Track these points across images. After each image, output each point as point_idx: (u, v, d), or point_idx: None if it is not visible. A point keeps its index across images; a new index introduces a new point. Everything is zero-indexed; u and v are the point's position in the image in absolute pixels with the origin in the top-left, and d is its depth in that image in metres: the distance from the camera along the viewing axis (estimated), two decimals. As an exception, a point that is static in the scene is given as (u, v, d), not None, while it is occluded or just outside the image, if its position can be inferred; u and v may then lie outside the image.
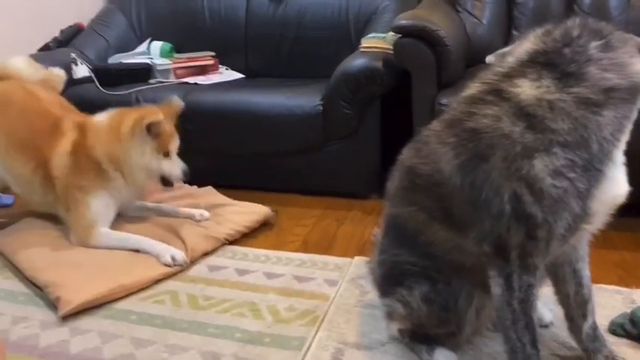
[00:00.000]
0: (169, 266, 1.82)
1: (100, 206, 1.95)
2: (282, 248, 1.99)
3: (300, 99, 2.30)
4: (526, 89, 1.08)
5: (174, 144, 1.95)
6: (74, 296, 1.63)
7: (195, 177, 2.48)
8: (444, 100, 1.98)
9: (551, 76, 1.07)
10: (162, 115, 1.91)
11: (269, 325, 1.54)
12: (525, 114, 1.06)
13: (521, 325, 1.12)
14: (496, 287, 1.14)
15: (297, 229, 2.15)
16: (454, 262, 1.23)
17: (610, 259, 1.81)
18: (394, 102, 2.24)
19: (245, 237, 2.07)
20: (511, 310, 1.12)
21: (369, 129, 2.27)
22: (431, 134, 1.23)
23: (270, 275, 1.80)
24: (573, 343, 1.35)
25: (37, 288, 1.76)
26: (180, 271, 1.83)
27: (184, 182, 2.04)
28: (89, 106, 2.56)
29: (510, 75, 1.13)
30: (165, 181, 1.99)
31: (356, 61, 2.18)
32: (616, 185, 1.07)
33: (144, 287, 1.74)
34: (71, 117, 2.06)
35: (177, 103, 1.98)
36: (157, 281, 1.78)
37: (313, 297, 1.67)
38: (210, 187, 2.39)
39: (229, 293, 1.71)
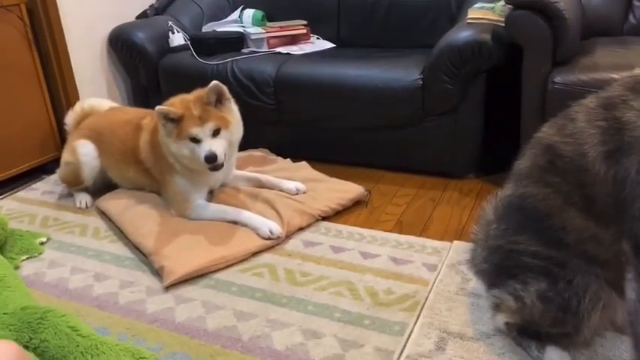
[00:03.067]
0: (267, 239, 1.83)
1: (188, 183, 1.99)
2: (375, 227, 1.95)
3: (398, 72, 2.21)
4: None
5: (201, 128, 1.83)
6: (177, 267, 1.68)
7: (289, 150, 2.52)
8: (558, 79, 1.83)
9: None
10: (191, 100, 1.88)
11: (368, 307, 1.52)
12: None
13: None
14: (631, 291, 1.05)
15: (391, 207, 2.10)
16: (586, 254, 1.14)
17: None
18: (500, 78, 2.11)
19: (338, 214, 2.05)
20: None
21: (471, 105, 2.15)
22: (581, 111, 1.13)
23: (365, 255, 1.78)
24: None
25: (142, 254, 1.83)
26: (277, 245, 1.85)
27: (217, 164, 1.83)
28: (185, 74, 2.64)
29: None
30: (210, 164, 1.85)
31: (463, 34, 2.05)
32: None
33: (243, 259, 1.77)
34: (148, 114, 2.13)
35: (214, 86, 1.86)
36: (255, 253, 1.80)
37: (412, 281, 1.63)
38: (304, 163, 2.38)
39: (326, 271, 1.70)
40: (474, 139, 2.22)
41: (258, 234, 1.85)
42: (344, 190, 2.11)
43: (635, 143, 0.99)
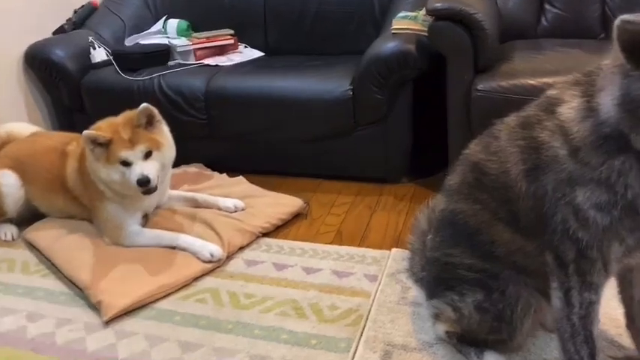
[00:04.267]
0: (208, 262, 1.81)
1: (120, 209, 1.94)
2: (316, 240, 1.98)
3: (329, 83, 2.24)
4: (570, 111, 1.04)
5: (132, 151, 1.80)
6: (116, 300, 1.64)
7: (224, 164, 2.49)
8: (480, 86, 1.92)
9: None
10: (119, 123, 1.84)
11: (313, 325, 1.55)
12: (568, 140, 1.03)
13: (580, 339, 1.11)
14: (556, 300, 1.13)
15: (330, 218, 2.13)
16: (516, 265, 1.21)
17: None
18: (427, 85, 2.18)
19: (278, 228, 2.05)
20: (570, 324, 1.11)
21: (400, 113, 2.22)
22: (503, 129, 1.18)
23: (308, 270, 1.80)
24: (622, 342, 1.35)
25: (77, 287, 1.77)
26: (218, 267, 1.83)
27: (150, 187, 1.80)
28: (109, 91, 2.55)
29: (574, 86, 1.09)
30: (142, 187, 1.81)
31: (388, 45, 2.10)
32: None
33: (184, 285, 1.75)
34: (74, 138, 2.06)
35: (144, 109, 1.81)
36: (196, 278, 1.78)
37: (354, 294, 1.66)
38: (240, 177, 2.36)
39: (270, 290, 1.71)
40: (404, 146, 2.29)
41: (198, 258, 1.83)
42: (282, 204, 2.12)
43: (550, 162, 1.06)
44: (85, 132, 1.79)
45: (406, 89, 2.17)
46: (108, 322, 1.61)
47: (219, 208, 2.09)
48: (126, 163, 1.81)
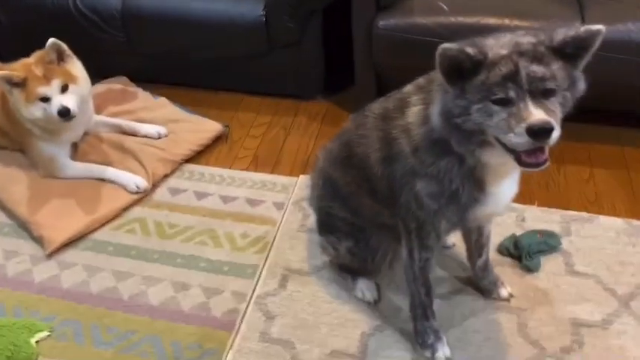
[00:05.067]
0: (135, 193, 2.05)
1: (49, 144, 2.08)
2: (235, 165, 2.21)
3: (242, 7, 2.29)
4: (413, 115, 1.26)
5: (48, 86, 1.91)
6: (56, 235, 1.88)
7: (147, 77, 2.59)
8: (381, 23, 2.04)
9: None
10: (32, 62, 1.93)
11: (227, 253, 1.86)
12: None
13: (419, 282, 1.46)
14: (403, 253, 1.45)
15: (248, 140, 2.34)
16: (377, 222, 1.52)
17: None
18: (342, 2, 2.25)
19: (200, 153, 2.26)
20: (412, 272, 1.45)
21: (312, 39, 2.32)
22: (370, 115, 1.40)
23: (225, 199, 2.06)
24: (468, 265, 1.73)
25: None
26: (145, 197, 2.07)
27: (70, 116, 1.92)
28: (24, 10, 2.51)
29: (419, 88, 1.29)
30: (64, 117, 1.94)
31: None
32: (493, 205, 1.31)
33: (115, 217, 2.00)
34: None
35: (52, 44, 1.90)
36: (126, 209, 2.03)
37: (263, 222, 1.96)
38: (163, 99, 2.47)
39: (191, 220, 1.98)
40: (317, 65, 2.44)
41: (125, 189, 2.05)
42: (203, 129, 2.30)
43: (398, 155, 1.30)
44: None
45: (317, 18, 2.26)
46: (51, 255, 1.88)
47: (144, 135, 2.26)
48: (45, 99, 1.93)
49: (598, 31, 1.09)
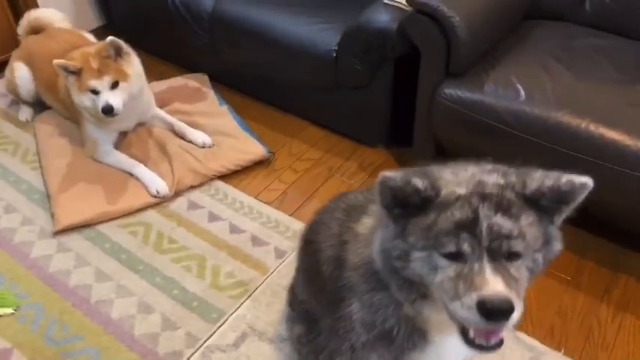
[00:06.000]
0: (154, 197, 2.04)
1: (96, 129, 2.15)
2: (261, 195, 2.11)
3: (317, 38, 2.15)
4: (365, 229, 1.04)
5: (100, 81, 1.95)
6: (66, 216, 1.94)
7: (227, 79, 2.59)
8: (446, 91, 1.79)
9: None
10: (91, 53, 1.97)
11: (204, 288, 1.77)
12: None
13: None
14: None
15: (287, 173, 2.22)
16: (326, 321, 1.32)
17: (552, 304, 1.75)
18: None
19: (238, 172, 2.19)
20: None
21: (381, 86, 2.12)
22: (340, 204, 1.23)
23: (233, 229, 1.97)
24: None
25: (49, 190, 2.10)
26: (163, 202, 2.05)
27: (114, 115, 1.97)
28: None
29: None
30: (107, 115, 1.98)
31: (373, 18, 1.94)
32: (437, 356, 1.05)
33: (128, 214, 2.01)
34: (78, 47, 2.14)
35: (110, 41, 1.94)
36: (141, 209, 2.03)
37: (256, 267, 1.84)
38: (226, 109, 2.44)
39: (191, 241, 1.92)
40: (381, 115, 2.23)
41: (147, 190, 2.06)
42: (247, 151, 2.23)
43: (345, 262, 1.10)
44: (56, 61, 1.96)
45: (387, 67, 2.06)
46: (55, 234, 1.94)
47: (189, 140, 2.25)
48: (95, 92, 1.98)
49: (583, 186, 0.83)
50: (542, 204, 0.85)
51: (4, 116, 2.49)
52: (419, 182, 0.84)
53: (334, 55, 2.11)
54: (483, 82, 1.75)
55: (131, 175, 2.12)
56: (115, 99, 1.97)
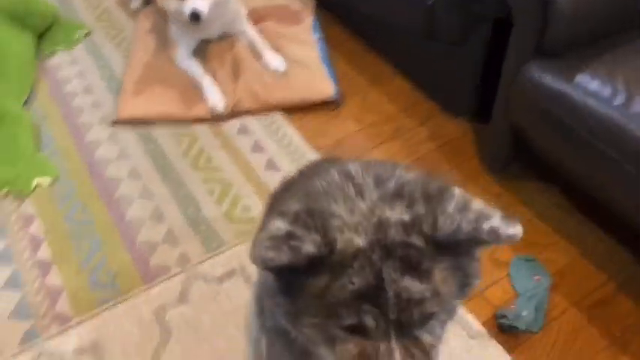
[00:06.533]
0: (210, 111, 2.02)
1: (178, 32, 2.15)
2: (313, 139, 1.98)
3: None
4: None
5: None
6: (127, 109, 2.02)
7: (333, 6, 2.43)
8: (530, 71, 1.46)
9: None
10: None
11: (217, 215, 1.73)
12: None
13: None
14: None
15: (348, 123, 2.05)
16: None
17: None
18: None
19: (305, 108, 2.07)
20: None
21: (474, 49, 1.81)
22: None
23: (271, 165, 1.88)
24: None
25: (124, 80, 2.18)
26: (217, 119, 2.03)
27: (197, 19, 1.94)
28: None
29: None
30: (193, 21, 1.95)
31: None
32: None
33: (180, 120, 2.02)
34: None
35: None
36: (195, 120, 2.03)
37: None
38: (318, 38, 2.28)
39: (226, 165, 1.88)
40: (471, 83, 1.92)
41: (206, 104, 2.04)
42: (316, 88, 2.08)
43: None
44: None
45: (486, 26, 1.74)
46: (114, 122, 2.02)
47: (263, 63, 2.16)
48: None
49: (510, 238, 0.65)
50: (457, 249, 0.65)
51: (120, 2, 2.61)
52: (311, 247, 0.64)
53: (431, 3, 1.84)
54: (577, 71, 1.39)
55: (198, 84, 2.11)
56: (201, 4, 1.93)
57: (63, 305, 1.51)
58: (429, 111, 2.09)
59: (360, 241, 0.65)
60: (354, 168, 0.75)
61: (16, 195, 1.77)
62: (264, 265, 0.65)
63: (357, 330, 0.65)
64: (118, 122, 2.02)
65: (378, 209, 0.67)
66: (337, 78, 2.16)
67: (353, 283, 0.63)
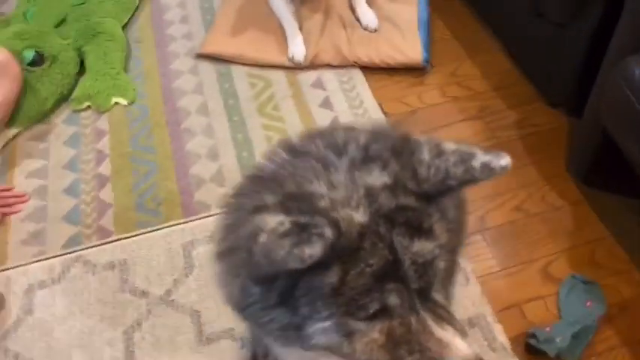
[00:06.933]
0: (288, 59, 1.98)
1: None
2: (388, 104, 1.86)
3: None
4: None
5: None
6: (212, 44, 2.04)
7: None
8: (630, 67, 1.22)
9: None
10: None
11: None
12: None
13: None
14: None
15: (431, 94, 1.89)
16: None
17: None
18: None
19: (382, 69, 1.95)
20: None
21: (582, 31, 1.55)
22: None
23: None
24: None
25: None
26: (295, 69, 1.97)
27: None
28: None
29: None
30: None
31: None
32: None
33: (259, 64, 2.00)
34: None
35: None
36: (272, 66, 1.99)
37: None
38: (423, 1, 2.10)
39: (291, 116, 1.84)
40: (575, 71, 1.65)
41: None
42: (404, 51, 1.93)
43: None
44: None
45: (597, 6, 1.48)
46: (198, 55, 2.05)
47: (356, 17, 2.05)
48: None
49: (503, 170, 0.62)
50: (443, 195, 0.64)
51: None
52: (329, 231, 0.56)
53: (542, -28, 1.60)
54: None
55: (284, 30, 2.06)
56: None
57: (108, 221, 1.60)
58: (523, 95, 1.87)
59: (360, 217, 0.60)
60: (298, 144, 0.69)
61: (96, 110, 1.89)
62: (285, 266, 0.55)
63: (379, 314, 0.61)
64: (201, 55, 2.04)
65: (358, 179, 0.62)
66: (431, 42, 2.00)
67: (370, 265, 0.59)
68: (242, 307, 0.68)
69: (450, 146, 0.63)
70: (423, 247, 0.61)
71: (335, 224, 0.57)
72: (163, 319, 1.39)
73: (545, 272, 1.44)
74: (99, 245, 1.54)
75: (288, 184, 0.64)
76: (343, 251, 0.57)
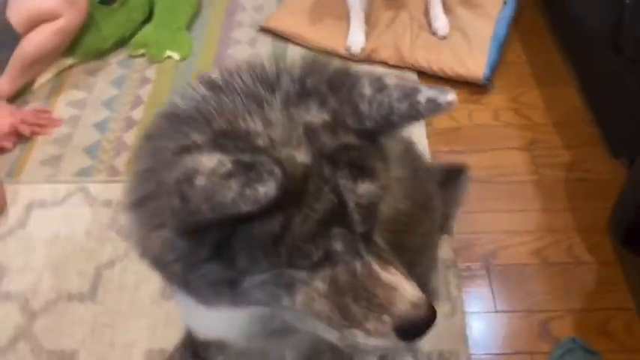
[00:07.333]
0: (346, 49, 1.92)
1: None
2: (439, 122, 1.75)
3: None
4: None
5: None
6: (275, 20, 2.04)
7: None
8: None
9: None
10: None
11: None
12: None
13: None
14: None
15: (482, 115, 1.75)
16: None
17: None
18: None
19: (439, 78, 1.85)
20: None
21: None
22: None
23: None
24: None
25: None
26: (352, 59, 1.90)
27: None
28: None
29: None
30: None
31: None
32: None
33: (317, 49, 1.95)
34: None
35: None
36: (329, 52, 1.94)
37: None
38: (503, 11, 1.96)
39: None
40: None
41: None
42: (466, 64, 1.80)
43: None
44: None
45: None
46: (261, 29, 2.04)
47: (429, 21, 1.95)
48: None
49: (449, 105, 0.57)
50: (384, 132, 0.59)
51: None
52: (277, 169, 0.49)
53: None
54: None
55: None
56: None
57: (121, 162, 1.62)
58: (584, 136, 1.68)
59: (302, 157, 0.53)
60: (219, 78, 0.61)
61: (149, 59, 1.93)
62: (235, 210, 0.48)
63: (322, 262, 0.56)
64: (263, 29, 2.04)
65: (295, 115, 0.55)
66: (501, 62, 1.86)
67: (316, 211, 0.53)
68: (163, 263, 0.60)
69: (391, 80, 0.58)
70: (368, 189, 0.56)
71: (279, 164, 0.51)
72: (136, 265, 1.37)
73: (545, 327, 1.27)
74: (104, 182, 1.56)
75: (218, 122, 0.56)
76: (286, 196, 0.50)
